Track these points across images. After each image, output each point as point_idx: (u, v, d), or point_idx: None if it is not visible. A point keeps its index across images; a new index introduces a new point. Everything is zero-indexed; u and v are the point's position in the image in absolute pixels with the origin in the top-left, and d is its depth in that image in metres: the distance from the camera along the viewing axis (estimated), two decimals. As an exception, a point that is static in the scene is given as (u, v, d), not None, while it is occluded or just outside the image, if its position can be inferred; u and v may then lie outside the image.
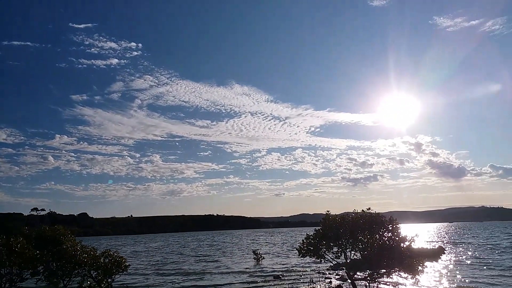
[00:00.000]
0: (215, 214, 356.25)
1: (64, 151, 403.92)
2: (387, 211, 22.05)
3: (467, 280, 22.56)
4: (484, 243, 58.94)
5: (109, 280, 20.02)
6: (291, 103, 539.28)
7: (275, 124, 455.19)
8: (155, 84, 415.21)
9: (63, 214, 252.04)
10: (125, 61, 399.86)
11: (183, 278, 26.80)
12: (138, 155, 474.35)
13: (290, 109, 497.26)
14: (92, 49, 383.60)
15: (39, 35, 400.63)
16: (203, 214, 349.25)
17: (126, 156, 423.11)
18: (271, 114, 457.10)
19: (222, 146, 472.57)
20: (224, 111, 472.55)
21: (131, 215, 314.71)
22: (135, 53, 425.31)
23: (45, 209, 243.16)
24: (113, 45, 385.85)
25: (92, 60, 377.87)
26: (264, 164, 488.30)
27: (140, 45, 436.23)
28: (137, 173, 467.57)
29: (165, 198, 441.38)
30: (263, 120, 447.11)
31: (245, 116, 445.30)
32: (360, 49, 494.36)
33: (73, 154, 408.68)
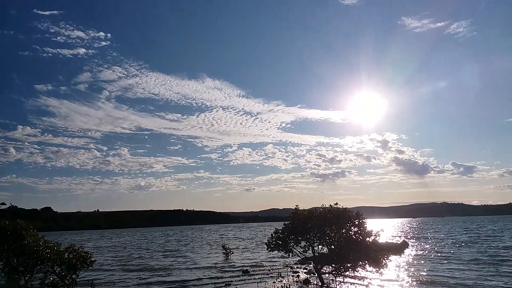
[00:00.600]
0: (184, 209, 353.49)
1: (27, 143, 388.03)
2: (354, 206, 22.57)
3: (428, 273, 23.47)
4: (445, 237, 61.47)
5: (73, 276, 19.47)
6: (263, 99, 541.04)
7: (246, 119, 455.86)
8: (124, 75, 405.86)
9: (25, 208, 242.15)
10: (93, 51, 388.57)
11: (150, 274, 26.44)
12: (105, 148, 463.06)
13: (261, 104, 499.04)
14: (58, 38, 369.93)
15: (1, 21, 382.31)
16: (172, 209, 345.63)
17: (93, 149, 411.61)
18: (243, 109, 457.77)
19: (192, 140, 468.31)
20: (195, 105, 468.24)
21: (98, 210, 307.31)
22: (104, 43, 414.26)
23: (5, 203, 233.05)
24: (80, 34, 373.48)
25: (58, 49, 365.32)
26: (235, 159, 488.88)
27: (109, 35, 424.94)
28: (104, 166, 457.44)
29: (133, 192, 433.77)
30: (235, 115, 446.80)
31: (217, 111, 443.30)
32: (331, 46, 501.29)
33: (36, 146, 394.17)
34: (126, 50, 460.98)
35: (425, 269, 25.03)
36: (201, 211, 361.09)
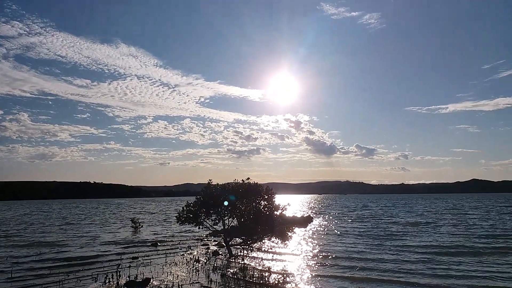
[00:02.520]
0: (92, 182, 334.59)
1: None
2: (266, 182, 23.36)
3: (325, 245, 25.46)
4: (345, 213, 67.15)
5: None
6: (182, 71, 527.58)
7: (163, 91, 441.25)
8: (25, 32, 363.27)
9: None
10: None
11: (48, 249, 24.62)
12: (1, 112, 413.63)
13: (180, 76, 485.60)
14: None
15: None
16: (79, 181, 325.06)
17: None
18: (159, 80, 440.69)
19: (103, 109, 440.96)
20: (107, 71, 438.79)
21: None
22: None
23: None
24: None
25: None
26: (150, 132, 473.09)
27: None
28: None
29: (33, 162, 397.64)
30: (151, 85, 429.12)
31: (131, 79, 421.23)
32: (252, 26, 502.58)
33: None
34: (29, 4, 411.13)
35: (323, 242, 27.10)
36: (111, 184, 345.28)
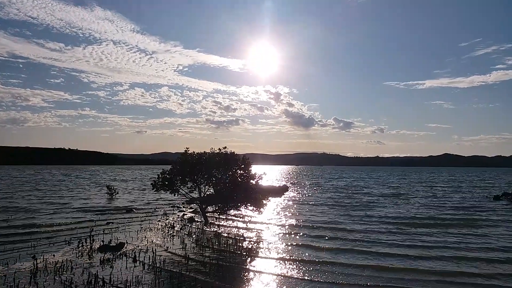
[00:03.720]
0: (67, 148, 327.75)
1: None
2: (244, 153, 23.32)
3: (298, 214, 26.02)
4: (321, 183, 68.52)
5: None
6: (160, 37, 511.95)
7: (140, 57, 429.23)
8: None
9: None
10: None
11: (20, 215, 24.12)
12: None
13: (158, 43, 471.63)
14: None
15: None
16: (52, 147, 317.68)
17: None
18: (136, 46, 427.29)
19: (77, 74, 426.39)
20: (81, 35, 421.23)
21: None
22: None
23: None
24: None
25: None
26: (126, 99, 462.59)
27: None
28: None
29: (4, 126, 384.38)
30: (127, 51, 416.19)
31: (107, 44, 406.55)
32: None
33: None
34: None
35: (297, 211, 27.68)
36: (86, 151, 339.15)
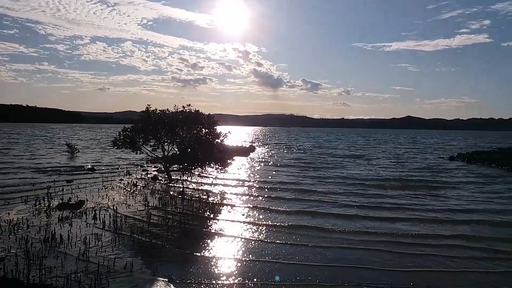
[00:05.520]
0: (24, 105, 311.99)
1: None
2: (212, 113, 22.80)
3: (261, 173, 26.42)
4: (288, 144, 69.49)
5: None
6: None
7: (101, 9, 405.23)
8: None
9: None
10: None
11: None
12: None
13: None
14: None
15: None
16: (8, 104, 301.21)
17: None
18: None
19: (33, 26, 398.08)
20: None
21: None
22: None
23: None
24: None
25: None
26: (87, 54, 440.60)
27: None
28: None
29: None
30: (87, 2, 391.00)
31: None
32: None
33: None
34: None
35: (262, 171, 28.04)
36: (45, 108, 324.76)
